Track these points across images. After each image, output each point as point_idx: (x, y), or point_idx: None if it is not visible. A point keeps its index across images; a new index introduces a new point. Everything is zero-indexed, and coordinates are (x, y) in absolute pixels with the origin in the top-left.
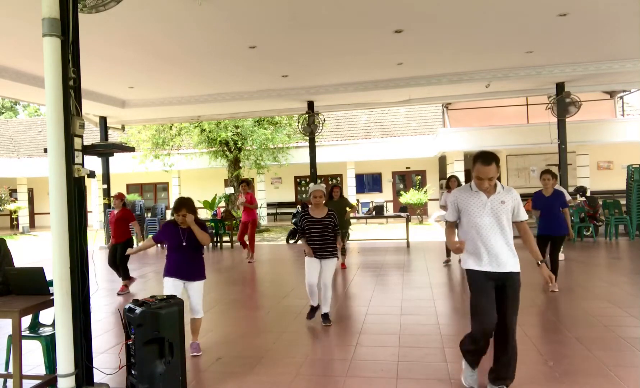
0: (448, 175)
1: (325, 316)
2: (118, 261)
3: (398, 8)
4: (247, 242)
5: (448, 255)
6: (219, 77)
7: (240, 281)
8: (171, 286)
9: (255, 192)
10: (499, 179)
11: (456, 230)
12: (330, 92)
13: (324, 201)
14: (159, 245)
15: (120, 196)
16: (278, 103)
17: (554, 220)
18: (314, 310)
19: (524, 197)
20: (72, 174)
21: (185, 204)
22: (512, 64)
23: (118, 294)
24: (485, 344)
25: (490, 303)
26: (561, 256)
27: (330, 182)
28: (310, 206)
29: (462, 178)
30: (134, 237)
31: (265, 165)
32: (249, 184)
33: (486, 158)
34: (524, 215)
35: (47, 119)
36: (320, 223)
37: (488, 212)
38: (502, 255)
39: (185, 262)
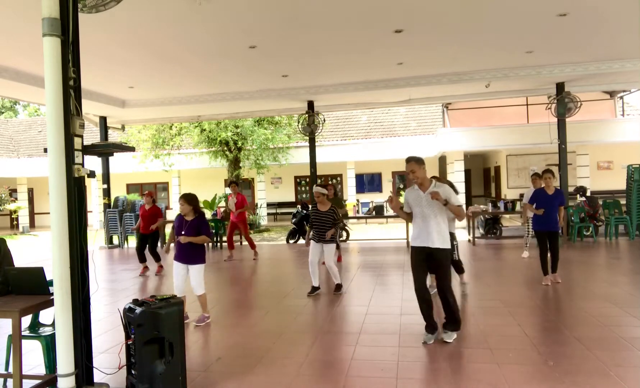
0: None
1: (337, 287)
2: (149, 249)
3: (398, 8)
4: (249, 243)
5: None
6: (219, 77)
7: (240, 281)
8: (176, 268)
9: (255, 192)
10: (500, 180)
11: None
12: (330, 92)
13: (325, 199)
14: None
15: (150, 194)
16: (278, 103)
17: (552, 217)
18: (314, 289)
19: None
20: (72, 173)
21: (182, 196)
22: (512, 63)
23: (156, 275)
24: (424, 299)
25: (421, 269)
26: None
27: (331, 182)
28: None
29: (462, 177)
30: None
31: (265, 165)
32: (238, 184)
33: (406, 159)
34: (455, 201)
35: (47, 118)
36: (322, 215)
37: (425, 203)
38: (433, 235)
39: (185, 248)
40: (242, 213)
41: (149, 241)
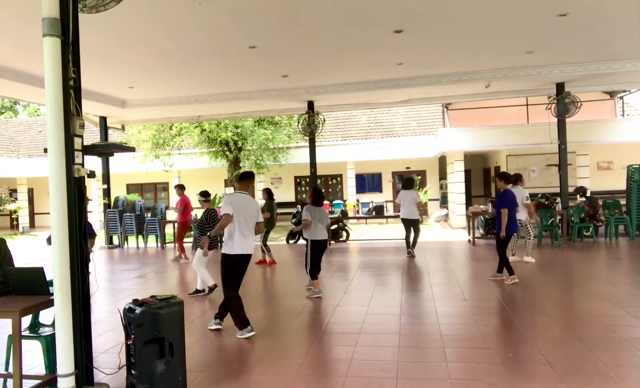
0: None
1: (196, 291)
2: None
3: (398, 8)
4: (178, 245)
5: (408, 246)
6: (219, 77)
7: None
8: None
9: (255, 192)
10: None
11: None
12: (330, 92)
13: (206, 203)
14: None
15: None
16: (278, 103)
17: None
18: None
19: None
20: (72, 173)
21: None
22: (512, 64)
23: None
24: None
25: (240, 275)
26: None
27: (330, 183)
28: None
29: (462, 178)
30: None
31: (265, 165)
32: (182, 187)
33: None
34: (259, 218)
35: (47, 119)
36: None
37: (244, 211)
38: (249, 243)
39: None
40: (181, 215)
41: None
